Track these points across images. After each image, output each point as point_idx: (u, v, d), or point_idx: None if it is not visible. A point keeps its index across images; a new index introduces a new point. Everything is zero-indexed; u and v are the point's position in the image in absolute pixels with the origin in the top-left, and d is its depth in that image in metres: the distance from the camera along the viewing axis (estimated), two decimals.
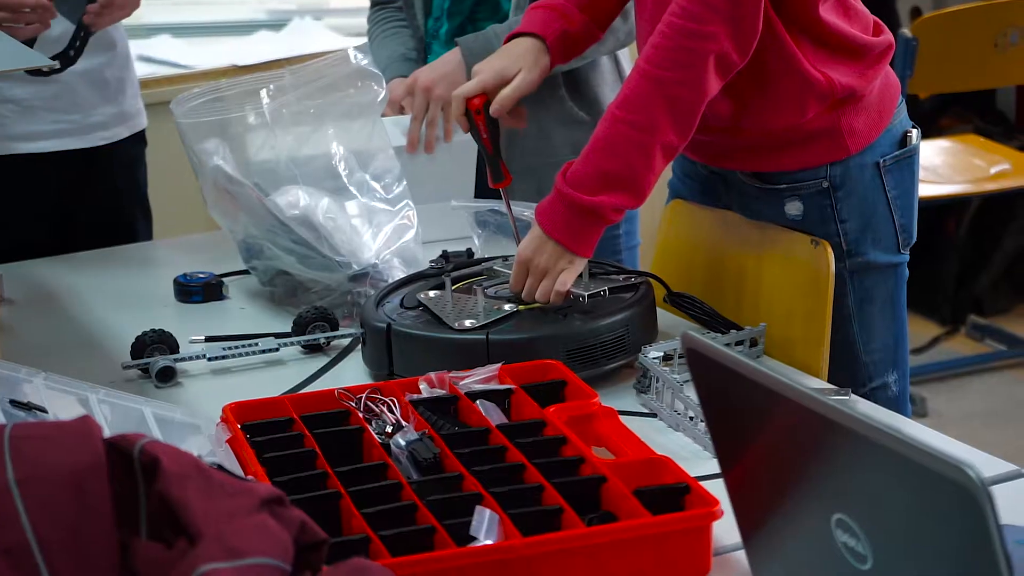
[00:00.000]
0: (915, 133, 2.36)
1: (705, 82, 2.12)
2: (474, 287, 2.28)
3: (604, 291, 2.24)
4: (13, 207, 2.93)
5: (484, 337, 2.13)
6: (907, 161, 2.36)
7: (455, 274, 2.33)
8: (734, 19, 2.10)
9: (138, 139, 3.07)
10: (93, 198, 3.03)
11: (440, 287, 2.31)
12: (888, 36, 2.32)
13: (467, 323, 2.18)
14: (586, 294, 2.22)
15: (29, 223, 2.97)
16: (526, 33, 2.37)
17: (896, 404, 2.40)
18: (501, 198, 2.41)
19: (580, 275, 2.24)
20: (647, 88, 2.13)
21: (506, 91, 2.32)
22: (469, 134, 2.37)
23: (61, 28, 2.84)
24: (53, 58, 2.70)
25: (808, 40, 2.22)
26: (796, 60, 2.21)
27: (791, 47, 2.20)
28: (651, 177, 2.15)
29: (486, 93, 2.32)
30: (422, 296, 2.28)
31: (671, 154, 2.16)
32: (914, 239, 2.39)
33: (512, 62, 2.34)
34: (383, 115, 2.66)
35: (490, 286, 2.28)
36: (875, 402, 2.33)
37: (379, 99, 2.55)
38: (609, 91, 2.85)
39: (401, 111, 2.80)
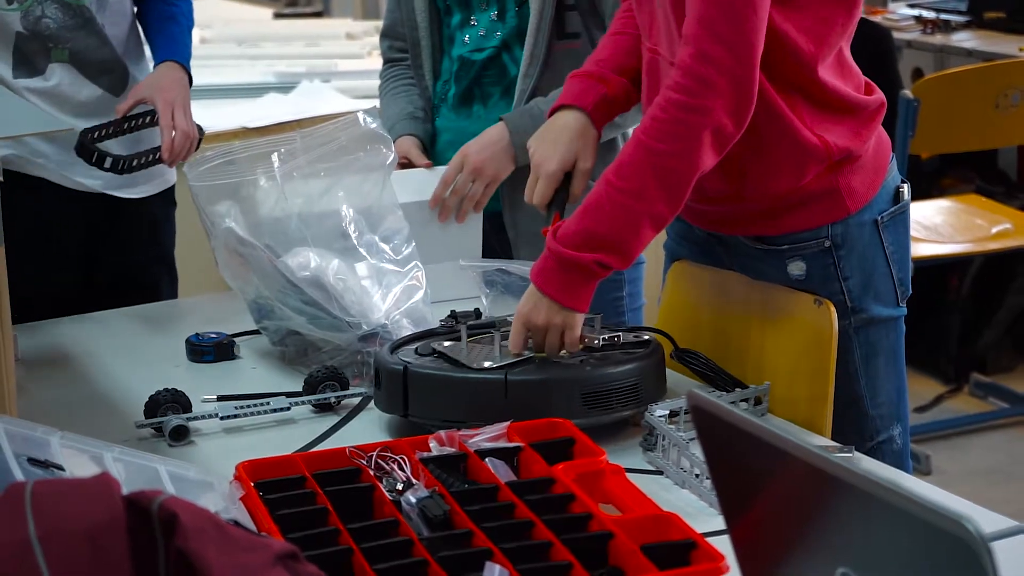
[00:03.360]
0: (906, 188, 2.39)
1: (699, 155, 2.14)
2: (491, 331, 2.30)
3: (618, 337, 2.28)
4: (39, 254, 2.94)
5: (503, 377, 2.16)
6: (901, 216, 2.38)
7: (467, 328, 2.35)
8: (730, 92, 2.12)
9: (166, 198, 3.09)
10: (118, 254, 3.05)
11: (454, 340, 2.33)
12: (879, 95, 2.34)
13: (486, 364, 2.20)
14: (601, 338, 2.26)
15: (54, 274, 2.98)
16: (568, 105, 2.40)
17: (900, 456, 2.42)
18: (507, 258, 2.44)
19: (593, 324, 2.28)
20: (640, 158, 2.16)
21: (576, 189, 2.38)
22: None
23: (87, 92, 2.89)
24: (116, 160, 2.76)
25: (803, 101, 2.24)
26: (791, 125, 2.23)
27: (785, 112, 2.22)
28: (638, 244, 2.18)
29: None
30: (437, 345, 2.31)
31: (661, 224, 2.19)
32: (910, 292, 2.41)
33: (567, 149, 2.38)
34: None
35: (506, 332, 2.29)
36: (882, 455, 2.36)
37: (388, 161, 2.58)
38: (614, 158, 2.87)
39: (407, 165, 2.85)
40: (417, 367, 2.22)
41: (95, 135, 2.79)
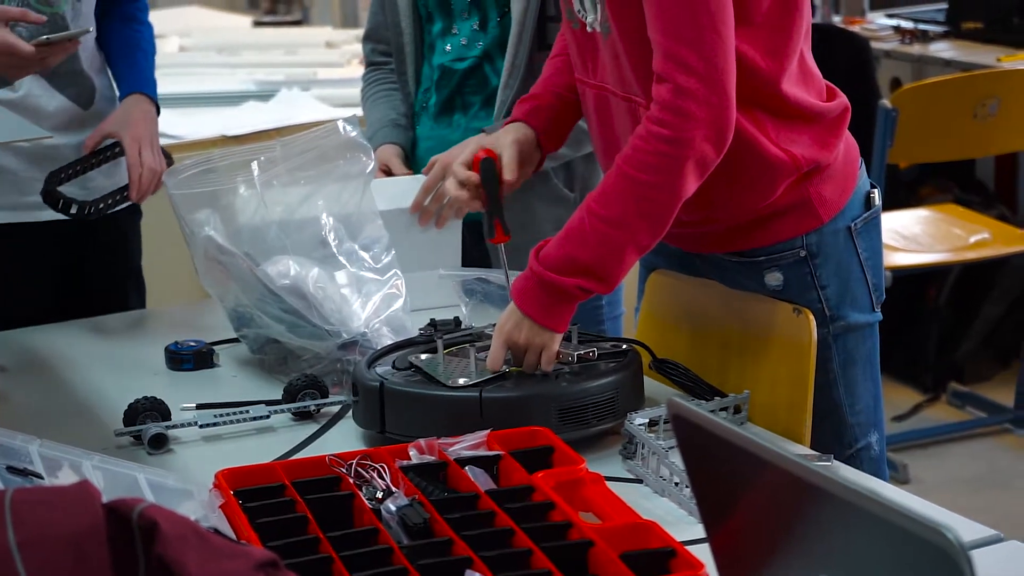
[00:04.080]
0: (876, 193, 2.40)
1: (681, 185, 2.15)
2: (467, 347, 2.31)
3: (593, 351, 2.28)
4: (8, 276, 2.94)
5: (477, 395, 2.16)
6: (873, 222, 2.39)
7: (445, 339, 2.36)
8: (709, 120, 2.12)
9: (131, 211, 3.06)
10: (85, 268, 3.02)
11: (431, 352, 2.34)
12: (843, 99, 2.34)
13: (460, 381, 2.21)
14: (576, 354, 2.26)
15: (24, 293, 2.96)
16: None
17: (878, 464, 2.43)
18: (486, 267, 2.45)
19: (569, 338, 2.28)
20: (623, 188, 2.17)
21: (506, 160, 2.39)
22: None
23: (56, 103, 2.87)
24: (82, 206, 2.75)
25: (767, 117, 2.25)
26: (756, 143, 2.24)
27: (750, 132, 2.23)
28: (620, 271, 2.20)
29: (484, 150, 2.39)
30: (413, 358, 2.31)
31: (643, 251, 2.21)
32: (884, 297, 2.42)
33: (477, 140, 2.42)
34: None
35: (482, 348, 2.31)
36: (860, 463, 2.37)
37: (368, 170, 2.58)
38: (595, 170, 2.88)
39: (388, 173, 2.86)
40: (393, 384, 2.22)
41: (61, 177, 2.78)
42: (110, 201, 2.81)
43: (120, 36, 3.00)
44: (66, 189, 2.80)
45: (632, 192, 2.16)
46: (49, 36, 2.59)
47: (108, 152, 2.87)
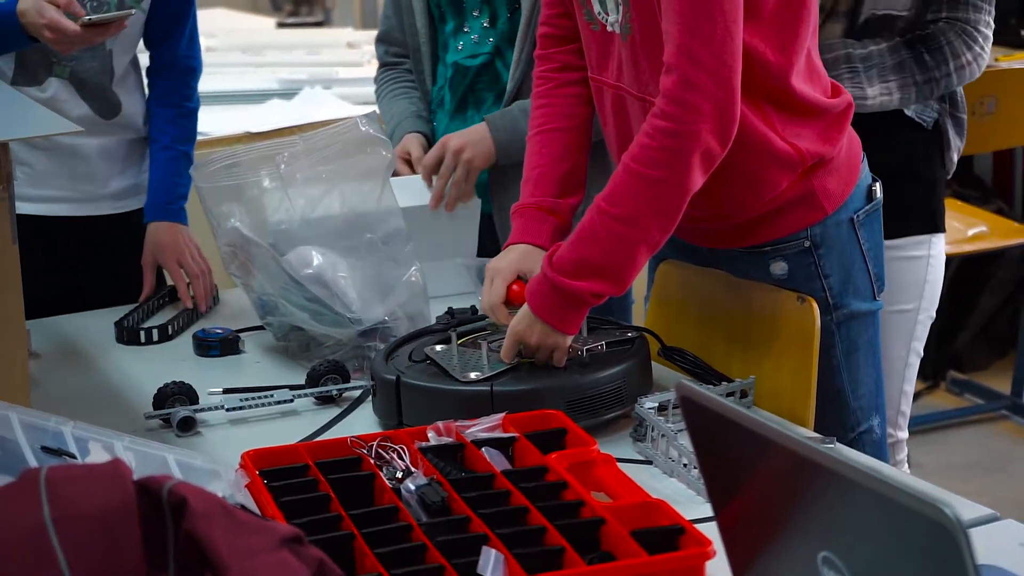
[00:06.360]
0: (878, 186, 2.43)
1: (689, 179, 2.16)
2: (479, 340, 2.36)
3: (601, 345, 2.32)
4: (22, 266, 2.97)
5: (489, 389, 2.21)
6: (875, 214, 2.43)
7: (460, 329, 2.40)
8: (714, 115, 2.14)
9: None
10: (100, 263, 3.05)
11: (446, 341, 2.38)
12: (846, 96, 2.37)
13: (472, 375, 2.25)
14: (585, 348, 2.30)
15: (37, 284, 2.97)
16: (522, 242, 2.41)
17: (879, 446, 2.47)
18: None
19: (579, 330, 2.31)
20: (632, 184, 2.18)
21: None
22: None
23: (79, 111, 2.90)
24: (161, 330, 2.78)
25: (775, 110, 2.27)
26: (764, 137, 2.26)
27: (757, 126, 2.25)
28: (633, 269, 2.21)
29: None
30: (429, 350, 2.35)
31: (655, 248, 2.22)
32: (884, 286, 2.46)
33: (523, 258, 2.37)
34: (395, 173, 2.74)
35: (494, 340, 2.35)
36: (863, 446, 2.41)
37: (387, 164, 2.61)
38: (605, 159, 2.91)
39: (411, 170, 2.91)
40: (409, 378, 2.26)
41: (130, 323, 2.81)
42: (182, 322, 2.84)
43: (163, 146, 3.05)
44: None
45: (641, 188, 2.18)
46: (92, 17, 2.61)
47: (166, 295, 2.96)
